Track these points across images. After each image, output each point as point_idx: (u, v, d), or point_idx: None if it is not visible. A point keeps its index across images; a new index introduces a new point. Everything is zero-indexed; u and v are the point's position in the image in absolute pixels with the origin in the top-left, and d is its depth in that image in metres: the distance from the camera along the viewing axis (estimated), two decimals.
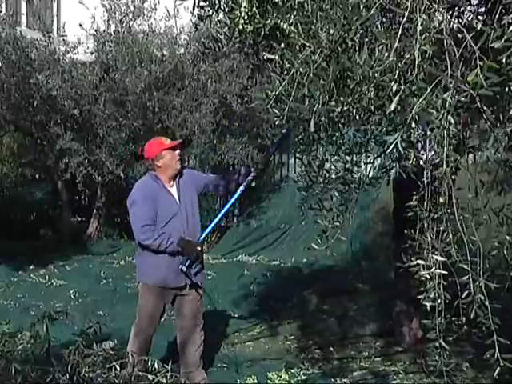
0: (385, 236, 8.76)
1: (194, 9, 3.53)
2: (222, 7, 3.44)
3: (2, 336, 4.09)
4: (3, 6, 10.43)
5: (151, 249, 5.00)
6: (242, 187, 5.17)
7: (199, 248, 5.09)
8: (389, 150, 2.68)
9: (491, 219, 2.98)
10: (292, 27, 2.89)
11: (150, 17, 10.35)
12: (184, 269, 4.97)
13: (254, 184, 5.29)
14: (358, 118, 2.80)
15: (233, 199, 5.25)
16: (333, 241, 3.46)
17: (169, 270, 5.01)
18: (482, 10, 3.49)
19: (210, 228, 5.32)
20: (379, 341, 6.27)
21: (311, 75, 2.69)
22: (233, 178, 5.32)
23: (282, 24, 3.01)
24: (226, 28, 3.47)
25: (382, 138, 2.96)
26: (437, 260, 2.88)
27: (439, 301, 2.92)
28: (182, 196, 5.15)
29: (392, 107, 2.60)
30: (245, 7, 3.25)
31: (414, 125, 2.61)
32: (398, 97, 2.61)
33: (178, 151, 5.17)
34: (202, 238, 5.17)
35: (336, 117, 2.80)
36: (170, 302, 5.17)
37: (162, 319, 5.30)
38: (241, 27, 3.29)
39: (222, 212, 5.42)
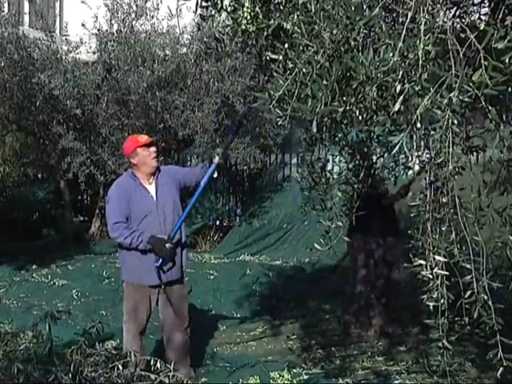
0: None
1: (196, 9, 3.53)
2: (224, 7, 3.44)
3: (4, 335, 4.10)
4: (6, 5, 10.41)
5: (125, 246, 5.05)
6: (204, 179, 5.17)
7: (170, 245, 5.01)
8: (394, 151, 2.68)
9: (494, 219, 2.98)
10: (295, 27, 2.89)
11: (152, 16, 10.34)
12: (154, 267, 5.00)
13: (215, 175, 5.23)
14: (360, 118, 2.79)
15: (196, 194, 5.24)
16: (335, 241, 3.46)
17: (144, 268, 5.04)
18: (486, 10, 3.48)
19: (178, 224, 5.14)
20: (381, 340, 6.26)
21: (314, 75, 2.69)
22: (198, 170, 5.38)
23: (285, 24, 3.00)
24: (229, 28, 3.46)
25: (385, 139, 2.96)
26: (439, 260, 2.88)
27: (442, 301, 2.92)
28: (160, 193, 5.15)
29: (396, 108, 2.60)
30: (247, 7, 3.25)
31: (418, 125, 2.61)
32: (401, 97, 2.61)
33: (153, 148, 5.15)
34: (172, 234, 5.06)
35: (339, 117, 2.80)
36: (155, 300, 5.17)
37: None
38: (243, 27, 3.29)
39: (189, 207, 5.28)
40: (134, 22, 10.24)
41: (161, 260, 5.02)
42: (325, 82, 2.70)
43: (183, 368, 5.09)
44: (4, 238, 10.58)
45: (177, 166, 5.53)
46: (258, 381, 5.19)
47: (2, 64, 9.32)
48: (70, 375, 3.56)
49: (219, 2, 3.47)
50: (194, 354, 5.46)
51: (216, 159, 5.19)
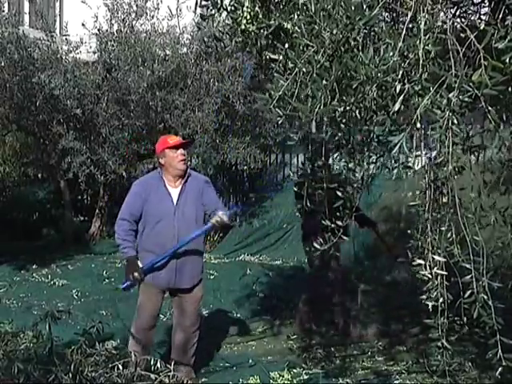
0: (387, 236, 8.75)
1: (196, 8, 3.53)
2: (224, 7, 3.44)
3: (4, 335, 4.10)
4: (6, 5, 10.41)
5: (143, 246, 5.05)
6: (196, 232, 5.01)
7: (138, 277, 4.95)
8: (394, 151, 2.68)
9: (494, 219, 2.98)
10: (295, 27, 2.89)
11: (152, 16, 10.35)
12: (121, 287, 5.08)
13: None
14: (360, 118, 2.79)
15: (183, 241, 5.00)
16: (335, 240, 3.46)
17: (161, 271, 5.04)
18: (486, 10, 3.48)
19: (165, 255, 4.99)
20: (381, 340, 6.26)
21: (314, 75, 2.69)
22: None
23: (285, 24, 3.00)
24: (229, 28, 3.47)
25: (385, 138, 2.96)
26: (439, 261, 2.88)
27: (441, 300, 2.92)
28: (184, 199, 5.07)
29: (396, 107, 2.60)
30: (247, 7, 3.25)
31: (418, 125, 2.61)
32: (401, 97, 2.61)
33: (181, 151, 5.07)
34: (156, 260, 4.98)
35: (338, 117, 2.80)
36: (162, 299, 5.19)
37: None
38: (243, 27, 3.29)
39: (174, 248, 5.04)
40: (134, 22, 10.25)
41: (125, 283, 5.07)
42: (324, 81, 2.70)
43: (183, 367, 5.09)
44: (4, 238, 10.58)
45: (212, 186, 5.34)
46: (258, 381, 5.19)
47: (2, 64, 9.32)
48: (70, 375, 3.56)
49: (219, 2, 3.48)
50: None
51: (213, 220, 5.04)
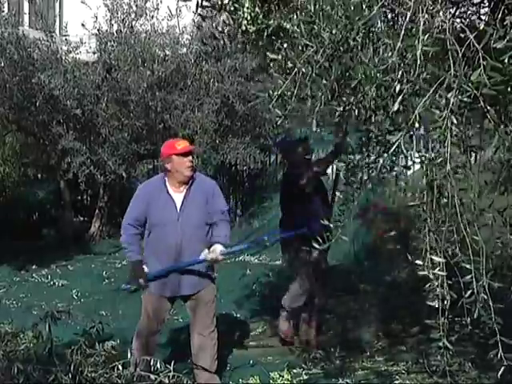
0: (387, 236, 8.75)
1: (197, 9, 3.54)
2: (224, 8, 3.44)
3: (4, 336, 4.09)
4: (6, 5, 10.42)
5: (149, 250, 5.02)
6: (195, 259, 4.97)
7: (143, 283, 4.94)
8: (391, 150, 2.68)
9: (495, 219, 2.97)
10: (295, 27, 2.89)
11: (152, 16, 10.36)
12: (122, 287, 5.05)
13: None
14: (359, 117, 2.80)
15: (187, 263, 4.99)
16: (333, 240, 3.45)
17: (167, 280, 4.98)
18: (485, 10, 3.48)
19: (167, 268, 4.97)
20: (381, 340, 6.26)
21: (314, 75, 2.69)
22: (219, 227, 5.07)
23: (284, 24, 3.01)
24: (229, 28, 3.47)
25: (384, 138, 2.96)
26: (438, 262, 2.88)
27: (443, 301, 2.92)
28: (188, 205, 4.98)
29: (395, 107, 2.60)
30: (247, 8, 3.26)
31: (417, 125, 2.61)
32: (400, 97, 2.61)
33: (189, 158, 4.98)
34: (159, 273, 4.94)
35: (338, 116, 2.80)
36: (170, 304, 5.14)
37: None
38: (244, 28, 3.29)
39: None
40: (133, 22, 10.26)
41: (127, 286, 5.09)
42: (324, 81, 2.70)
43: (204, 373, 5.02)
44: (4, 238, 10.58)
45: (219, 190, 5.24)
46: (258, 381, 5.18)
47: (2, 64, 9.33)
48: (70, 375, 3.56)
49: (219, 3, 3.48)
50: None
51: (202, 255, 4.96)
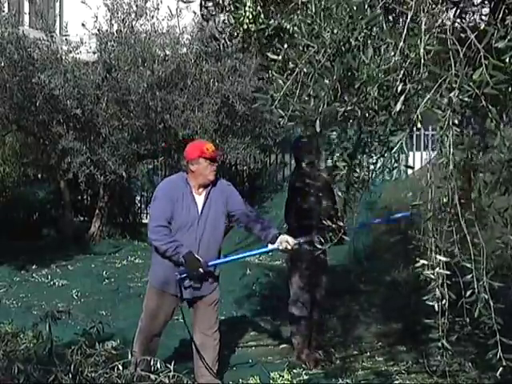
0: (387, 235, 8.75)
1: (201, 9, 3.54)
2: (226, 7, 3.44)
3: (4, 336, 4.09)
4: (6, 5, 10.42)
5: (160, 252, 4.93)
6: (253, 252, 5.34)
7: (202, 270, 4.84)
8: (394, 150, 2.68)
9: (494, 219, 2.97)
10: (296, 27, 2.89)
11: (152, 16, 10.34)
12: (177, 277, 4.84)
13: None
14: (362, 117, 2.79)
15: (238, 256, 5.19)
16: (335, 240, 3.45)
17: (172, 277, 4.89)
18: (486, 10, 3.48)
19: (223, 260, 5.14)
20: (381, 340, 6.26)
21: (316, 75, 2.69)
22: (262, 233, 5.10)
23: (286, 24, 3.00)
24: (231, 27, 3.47)
25: (386, 138, 2.96)
26: (440, 260, 2.87)
27: (443, 301, 2.92)
28: (207, 208, 4.96)
29: (398, 107, 2.59)
30: (249, 7, 3.25)
31: (419, 125, 2.61)
32: (403, 97, 2.60)
33: (216, 163, 4.98)
34: (211, 263, 4.94)
35: (340, 117, 2.80)
36: (178, 304, 5.07)
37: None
38: (245, 27, 3.29)
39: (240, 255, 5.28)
40: (134, 22, 10.25)
41: (185, 275, 4.86)
42: (326, 81, 2.70)
43: (205, 375, 4.98)
44: (4, 238, 10.58)
45: (235, 188, 5.29)
46: (258, 381, 5.18)
47: (2, 64, 9.33)
48: (70, 375, 3.55)
49: (221, 2, 3.48)
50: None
51: (275, 245, 4.98)
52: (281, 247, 4.98)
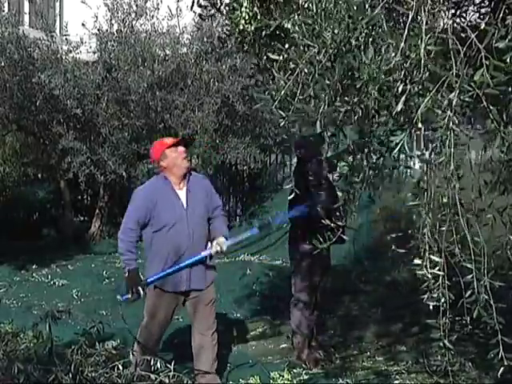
0: (387, 235, 8.75)
1: (192, 7, 3.53)
2: (223, 7, 3.44)
3: (4, 335, 4.09)
4: (6, 5, 10.42)
5: (154, 248, 4.96)
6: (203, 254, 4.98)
7: (142, 292, 4.86)
8: (395, 151, 2.68)
9: (495, 218, 2.97)
10: (296, 27, 2.88)
11: (152, 16, 10.36)
12: (121, 299, 4.99)
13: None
14: (363, 118, 2.79)
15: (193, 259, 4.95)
16: (334, 240, 3.45)
17: (177, 276, 4.93)
18: (486, 9, 3.48)
19: (173, 269, 4.93)
20: (381, 340, 6.26)
21: (316, 75, 2.69)
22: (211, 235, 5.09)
23: (285, 24, 3.00)
24: (228, 27, 3.46)
25: (386, 138, 2.96)
26: (439, 261, 2.87)
27: (443, 300, 2.92)
28: (192, 200, 4.98)
29: (398, 107, 2.59)
30: (246, 7, 3.25)
31: (420, 125, 2.61)
32: (404, 97, 2.60)
33: (181, 148, 4.98)
34: (149, 280, 4.91)
35: (341, 117, 2.79)
36: (178, 304, 5.09)
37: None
38: (241, 27, 3.29)
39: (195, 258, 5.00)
40: (134, 22, 10.26)
41: (125, 297, 4.97)
42: (327, 81, 2.70)
43: (205, 375, 4.98)
44: (4, 238, 10.58)
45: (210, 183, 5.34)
46: (258, 381, 5.18)
47: (2, 64, 9.34)
48: (71, 375, 3.55)
49: (218, 2, 3.48)
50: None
51: (207, 251, 5.00)
52: (213, 251, 5.00)
